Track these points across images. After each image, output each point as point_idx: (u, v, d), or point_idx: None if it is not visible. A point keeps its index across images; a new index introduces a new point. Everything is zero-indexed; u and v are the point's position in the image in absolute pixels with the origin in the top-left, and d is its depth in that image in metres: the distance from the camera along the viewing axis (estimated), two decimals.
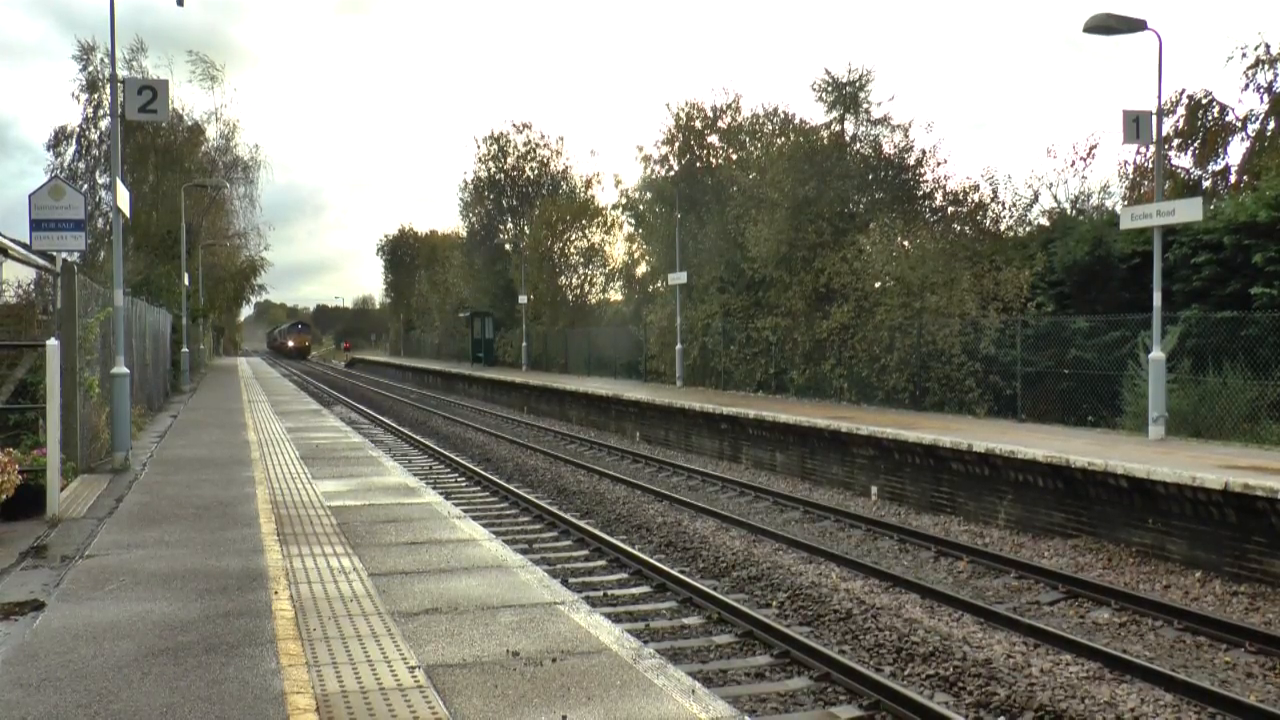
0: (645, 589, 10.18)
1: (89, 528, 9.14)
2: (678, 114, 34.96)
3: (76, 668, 5.25)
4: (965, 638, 8.27)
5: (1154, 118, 15.08)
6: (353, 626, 6.00)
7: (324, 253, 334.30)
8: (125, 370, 14.07)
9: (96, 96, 43.76)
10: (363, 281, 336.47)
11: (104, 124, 42.78)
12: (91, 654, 5.47)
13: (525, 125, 56.18)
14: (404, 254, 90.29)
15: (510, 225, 56.26)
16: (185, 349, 34.76)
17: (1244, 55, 26.54)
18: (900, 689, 6.90)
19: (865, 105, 26.24)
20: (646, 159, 36.52)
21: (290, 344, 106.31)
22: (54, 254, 15.82)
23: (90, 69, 43.70)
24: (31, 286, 17.01)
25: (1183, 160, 27.83)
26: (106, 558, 7.84)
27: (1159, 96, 15.37)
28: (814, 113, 48.54)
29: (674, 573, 10.35)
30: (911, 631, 8.38)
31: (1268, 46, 26.30)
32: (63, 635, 5.83)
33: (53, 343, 9.98)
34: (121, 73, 35.94)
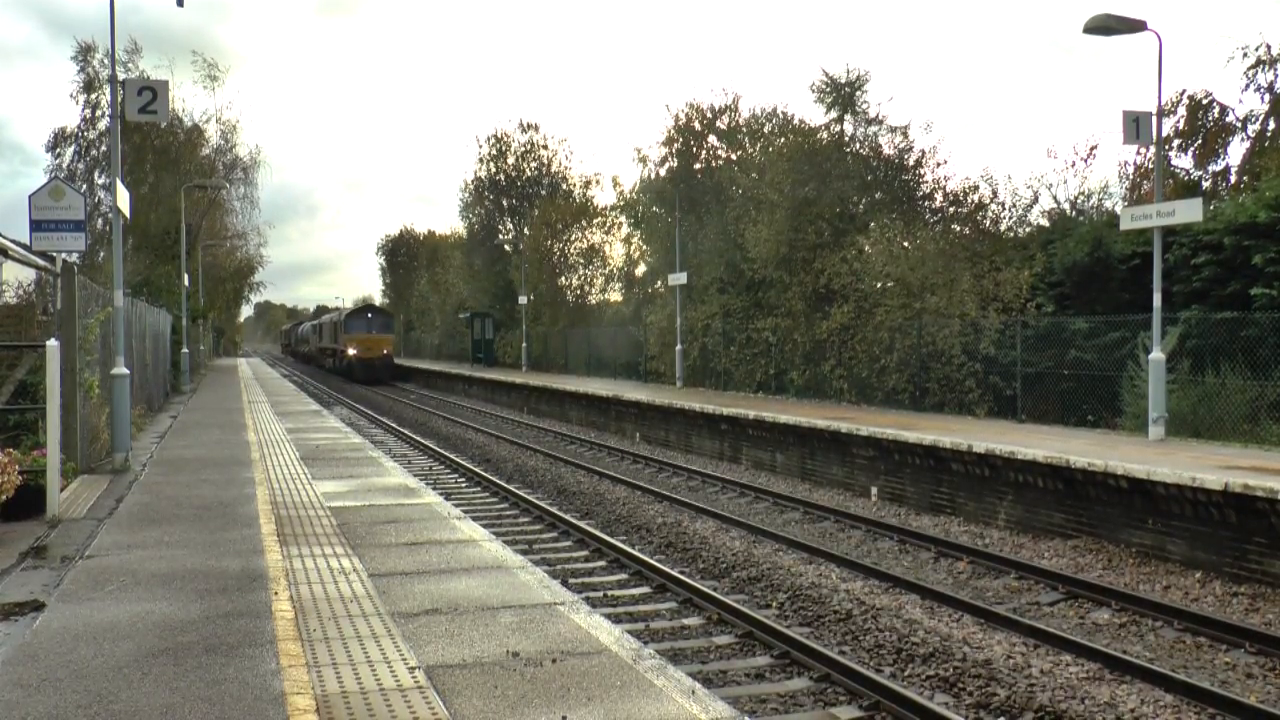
0: (645, 589, 10.18)
1: (89, 528, 9.14)
2: (677, 115, 35.03)
3: (76, 668, 5.26)
4: (965, 638, 8.27)
5: (1154, 118, 15.09)
6: (353, 627, 6.00)
7: (319, 253, 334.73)
8: (125, 371, 14.08)
9: (95, 97, 43.79)
10: (360, 282, 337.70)
11: (103, 125, 42.81)
12: (91, 654, 5.47)
13: (532, 125, 56.14)
14: (404, 254, 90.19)
15: (510, 225, 56.31)
16: (185, 349, 34.78)
17: (1245, 55, 26.56)
18: (900, 689, 6.91)
19: (863, 106, 26.29)
20: (644, 160, 36.60)
21: (351, 351, 54.37)
22: (54, 254, 15.82)
23: (89, 70, 43.73)
24: (31, 287, 17.00)
25: (1183, 161, 27.86)
26: (106, 558, 7.84)
27: (1159, 97, 15.39)
28: (813, 113, 48.61)
29: (674, 573, 10.35)
30: (911, 632, 8.38)
31: (1269, 47, 26.32)
32: (63, 636, 5.83)
33: (53, 343, 9.99)
34: (120, 74, 35.95)
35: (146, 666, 5.26)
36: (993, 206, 24.03)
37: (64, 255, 14.41)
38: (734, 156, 33.06)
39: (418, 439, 23.96)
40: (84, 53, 43.54)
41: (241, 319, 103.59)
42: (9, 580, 7.35)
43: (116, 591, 6.82)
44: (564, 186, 54.40)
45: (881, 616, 8.89)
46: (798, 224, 24.89)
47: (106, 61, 41.92)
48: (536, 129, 56.14)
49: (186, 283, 37.06)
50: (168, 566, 7.51)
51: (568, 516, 13.62)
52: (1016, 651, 7.98)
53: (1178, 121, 27.45)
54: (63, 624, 6.08)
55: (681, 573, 10.62)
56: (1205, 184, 26.97)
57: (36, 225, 13.68)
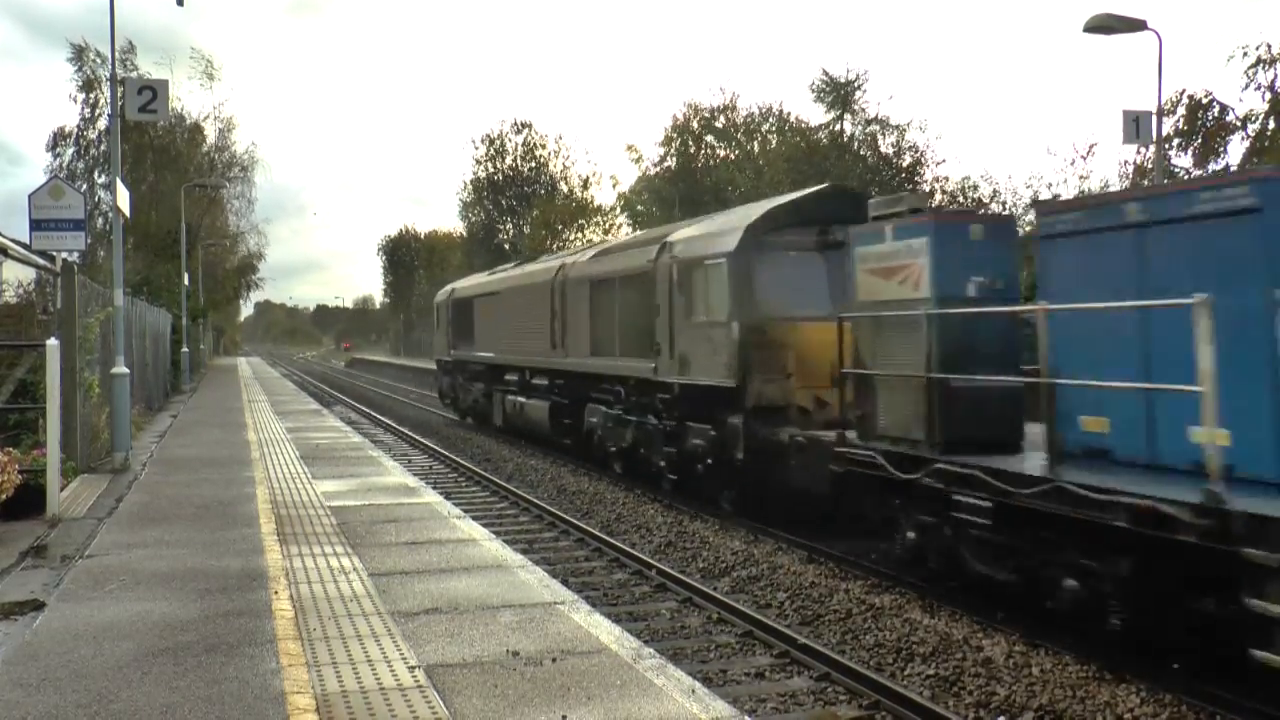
0: (645, 589, 10.18)
1: (89, 527, 9.15)
2: (674, 115, 35.17)
3: (76, 668, 5.26)
4: (966, 638, 8.26)
5: (1154, 118, 15.11)
6: (353, 626, 6.01)
7: (312, 252, 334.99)
8: (125, 370, 14.10)
9: (94, 96, 43.84)
10: (354, 281, 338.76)
11: (102, 123, 42.85)
12: (91, 654, 5.48)
13: (525, 125, 56.29)
14: (404, 254, 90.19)
15: (510, 226, 56.41)
16: (185, 349, 34.81)
17: (1245, 55, 26.58)
18: (900, 689, 6.91)
19: (862, 106, 26.35)
20: (639, 159, 36.75)
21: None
22: (54, 254, 15.84)
23: (86, 69, 43.77)
24: (31, 286, 17.02)
25: (1183, 160, 27.88)
26: (106, 558, 7.85)
27: (1159, 96, 15.44)
28: (812, 111, 48.76)
29: (674, 573, 10.35)
30: (911, 631, 8.38)
31: (1269, 46, 26.35)
32: (63, 635, 5.84)
33: (53, 343, 10.01)
34: (118, 73, 35.99)
35: (146, 666, 5.27)
36: (992, 205, 24.06)
37: (64, 254, 14.43)
38: (732, 156, 33.17)
39: (418, 438, 23.96)
40: (79, 53, 43.60)
41: (241, 318, 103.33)
42: (9, 580, 7.36)
43: (116, 591, 6.83)
44: (562, 185, 54.48)
45: (882, 616, 8.88)
46: None
47: (101, 61, 42.33)
48: (530, 127, 56.23)
49: (186, 282, 37.10)
50: (168, 566, 7.52)
51: (568, 516, 13.62)
52: (1016, 651, 7.96)
53: (1177, 121, 27.47)
54: (63, 623, 6.09)
55: (681, 572, 10.62)
56: None
57: (36, 224, 13.70)
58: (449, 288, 29.08)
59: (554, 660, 5.37)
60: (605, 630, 6.01)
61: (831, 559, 11.18)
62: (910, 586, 9.63)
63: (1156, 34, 14.67)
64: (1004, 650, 7.71)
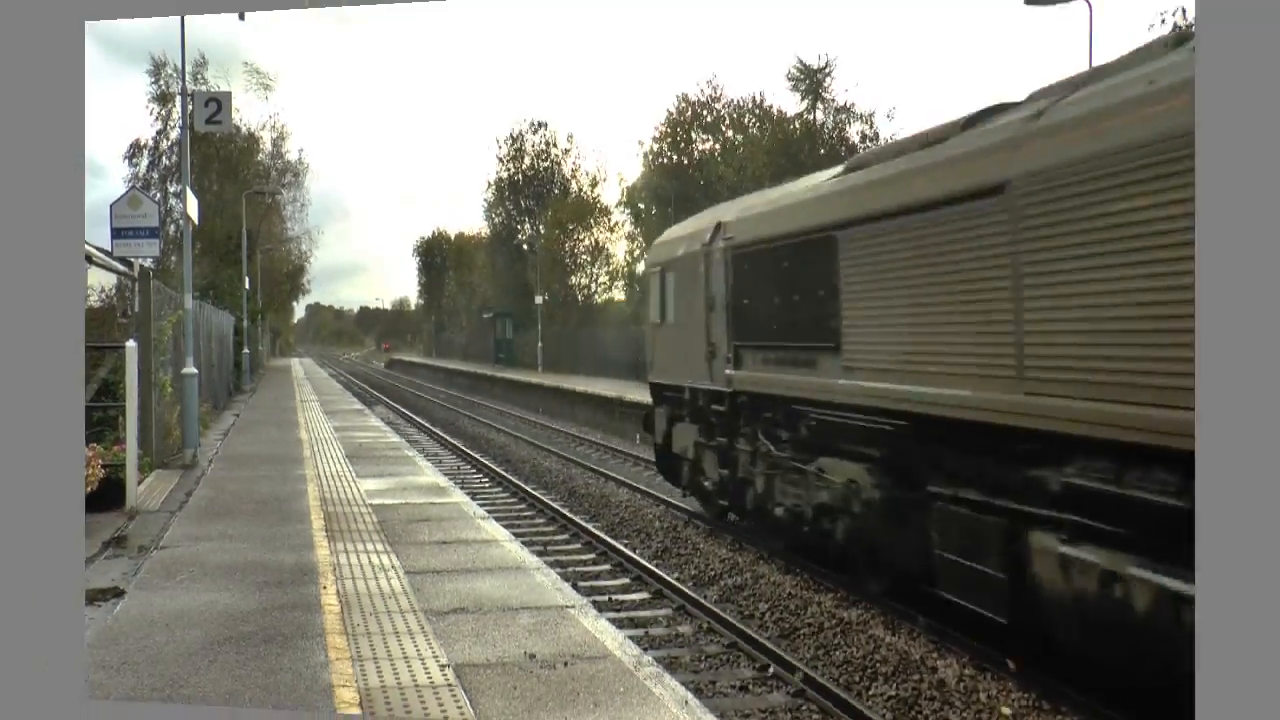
0: (644, 595, 10.36)
1: (162, 520, 9.38)
2: (669, 111, 34.88)
3: (152, 653, 5.46)
4: (922, 658, 8.32)
5: None
6: (391, 623, 6.20)
7: (354, 256, 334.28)
8: (194, 370, 14.32)
9: (168, 109, 44.19)
10: (392, 283, 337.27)
11: (174, 135, 43.23)
12: (165, 640, 5.69)
13: (541, 124, 55.49)
14: (436, 256, 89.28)
15: (527, 226, 55.81)
16: (246, 350, 35.03)
17: (1164, 23, 25.87)
18: (865, 710, 6.96)
19: (831, 96, 25.77)
20: (646, 155, 36.46)
21: None
22: (132, 260, 16.09)
23: (161, 83, 44.13)
24: (112, 291, 17.26)
25: None
26: (178, 549, 8.08)
27: (1090, 66, 15.28)
28: (790, 101, 48.37)
29: (670, 579, 10.51)
30: (875, 649, 8.39)
31: (1184, 11, 25.70)
32: (140, 622, 6.05)
33: (131, 344, 10.25)
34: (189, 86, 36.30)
35: (213, 654, 5.47)
36: None
37: (141, 260, 14.67)
38: (718, 149, 32.76)
39: (447, 438, 24.17)
40: (158, 68, 44.00)
41: (294, 320, 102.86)
42: (94, 567, 7.59)
43: (186, 581, 7.05)
44: (573, 185, 53.82)
45: (849, 632, 8.95)
46: None
47: (176, 75, 42.74)
48: (546, 126, 55.49)
49: (248, 285, 37.39)
50: (230, 559, 7.74)
51: (578, 519, 13.82)
52: (965, 674, 8.04)
53: None
54: (140, 610, 6.30)
55: (676, 578, 10.78)
56: None
57: (117, 233, 13.96)
58: (709, 217, 12.12)
59: (565, 664, 5.51)
60: (610, 636, 6.17)
61: (806, 570, 11.24)
62: (875, 601, 9.65)
63: (1088, 3, 14.31)
64: (955, 673, 7.73)
